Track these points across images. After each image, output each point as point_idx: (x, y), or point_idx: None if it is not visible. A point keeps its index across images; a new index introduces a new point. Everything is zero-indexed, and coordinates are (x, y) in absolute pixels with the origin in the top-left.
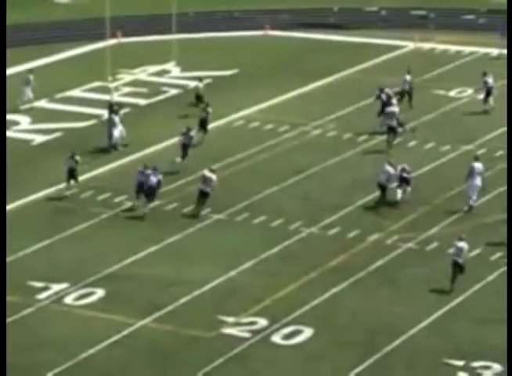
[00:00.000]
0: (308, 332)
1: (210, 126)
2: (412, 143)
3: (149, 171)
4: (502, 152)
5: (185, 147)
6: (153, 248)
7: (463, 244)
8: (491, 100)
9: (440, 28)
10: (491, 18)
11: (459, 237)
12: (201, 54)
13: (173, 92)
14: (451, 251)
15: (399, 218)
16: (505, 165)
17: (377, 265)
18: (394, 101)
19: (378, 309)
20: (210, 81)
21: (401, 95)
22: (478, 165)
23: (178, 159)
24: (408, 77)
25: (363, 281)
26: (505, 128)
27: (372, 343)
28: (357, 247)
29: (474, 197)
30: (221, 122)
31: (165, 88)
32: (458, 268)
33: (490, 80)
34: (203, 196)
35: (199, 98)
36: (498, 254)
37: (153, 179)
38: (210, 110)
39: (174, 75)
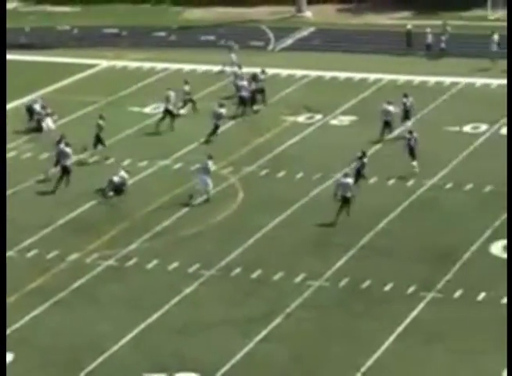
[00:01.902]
0: (8, 357)
1: None
2: (107, 161)
3: None
4: (199, 165)
5: None
6: None
7: (349, 180)
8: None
9: (133, 46)
10: (182, 35)
11: (344, 173)
12: None
13: None
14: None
15: (99, 235)
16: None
17: (78, 284)
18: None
19: (81, 328)
20: None
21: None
22: (209, 162)
23: None
24: (187, 88)
25: (64, 301)
26: (196, 144)
27: (75, 363)
28: (57, 268)
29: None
30: None
31: None
32: (346, 202)
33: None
34: None
35: None
36: (195, 266)
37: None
38: None
39: None
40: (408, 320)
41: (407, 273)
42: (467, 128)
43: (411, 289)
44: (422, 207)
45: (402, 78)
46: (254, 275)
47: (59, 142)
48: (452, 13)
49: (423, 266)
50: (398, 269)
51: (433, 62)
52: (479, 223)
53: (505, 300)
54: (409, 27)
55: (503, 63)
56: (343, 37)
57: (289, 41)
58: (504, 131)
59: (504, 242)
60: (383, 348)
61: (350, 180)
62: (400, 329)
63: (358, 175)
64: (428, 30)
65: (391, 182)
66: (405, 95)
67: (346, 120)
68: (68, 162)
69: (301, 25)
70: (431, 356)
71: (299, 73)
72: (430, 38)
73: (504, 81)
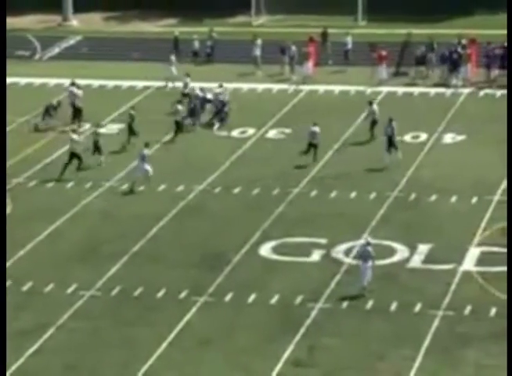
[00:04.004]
0: None
1: None
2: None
3: None
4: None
5: None
6: None
7: (315, 128)
8: None
9: None
10: None
11: (313, 123)
12: None
13: None
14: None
15: None
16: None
17: None
18: None
19: None
20: None
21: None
22: (147, 151)
23: None
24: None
25: None
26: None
27: None
28: None
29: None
30: None
31: None
32: (313, 147)
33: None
34: None
35: None
36: None
37: None
38: None
39: None
40: (181, 325)
41: (179, 279)
42: (235, 133)
43: (183, 294)
44: (192, 212)
45: (170, 85)
46: (25, 287)
47: None
48: (217, 20)
49: (194, 271)
50: (170, 275)
51: (199, 68)
52: (248, 226)
53: (274, 300)
54: (176, 33)
55: (267, 68)
56: (110, 45)
57: (56, 50)
58: (271, 134)
59: (273, 243)
60: (157, 354)
61: None
62: (173, 334)
63: None
64: (195, 36)
65: (162, 188)
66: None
67: (115, 128)
68: None
69: (67, 34)
70: (204, 359)
71: (67, 82)
72: (196, 45)
73: (269, 86)
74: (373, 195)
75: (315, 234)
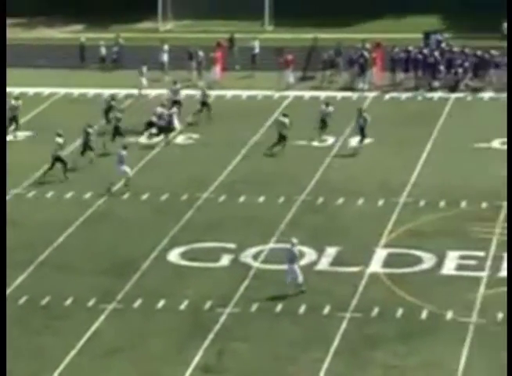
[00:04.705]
0: None
1: None
2: None
3: None
4: None
5: None
6: None
7: (285, 119)
8: None
9: None
10: None
11: (283, 113)
12: None
13: None
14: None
15: None
16: None
17: None
18: None
19: None
20: None
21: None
22: (125, 153)
23: None
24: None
25: None
26: None
27: None
28: None
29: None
30: None
31: None
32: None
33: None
34: None
35: None
36: None
37: None
38: None
39: None
40: (89, 333)
41: (87, 287)
42: (143, 139)
43: (91, 302)
44: (99, 219)
45: (77, 92)
46: None
47: None
48: (124, 26)
49: (103, 278)
50: (78, 283)
51: (107, 74)
52: (157, 232)
53: (183, 306)
54: (82, 39)
55: (174, 74)
56: (16, 51)
57: None
58: (179, 140)
59: (181, 249)
60: (65, 363)
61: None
62: (81, 343)
63: None
64: (101, 42)
65: (69, 195)
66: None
67: (22, 135)
68: None
69: None
70: (113, 367)
71: None
72: (103, 51)
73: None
74: (281, 199)
75: (224, 239)
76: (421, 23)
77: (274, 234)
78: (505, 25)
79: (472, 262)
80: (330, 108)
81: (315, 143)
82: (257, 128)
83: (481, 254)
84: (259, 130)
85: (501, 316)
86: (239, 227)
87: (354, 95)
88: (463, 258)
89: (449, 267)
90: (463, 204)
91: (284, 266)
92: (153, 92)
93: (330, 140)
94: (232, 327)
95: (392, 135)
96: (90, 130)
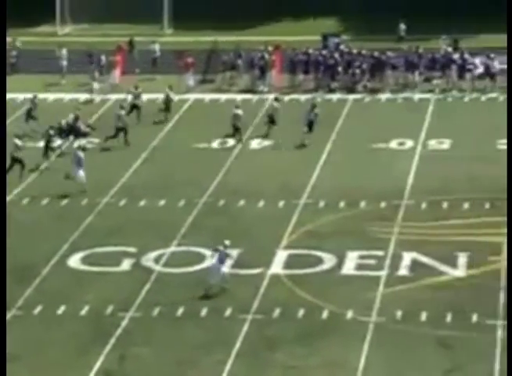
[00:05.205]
0: None
1: None
2: None
3: None
4: None
5: None
6: None
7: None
8: None
9: None
10: None
11: (235, 105)
12: None
13: None
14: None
15: None
16: None
17: None
18: None
19: None
20: None
21: None
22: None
23: None
24: None
25: None
26: None
27: None
28: None
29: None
30: None
31: None
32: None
33: None
34: None
35: None
36: None
37: None
38: None
39: None
40: None
41: None
42: (41, 143)
43: None
44: None
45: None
46: None
47: None
48: (21, 30)
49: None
50: None
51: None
52: (56, 237)
53: (84, 311)
54: None
55: (74, 78)
56: None
57: None
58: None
59: (82, 254)
60: None
61: None
62: None
63: None
64: None
65: None
66: None
67: None
68: None
69: None
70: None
71: None
72: None
73: (76, 96)
74: (182, 202)
75: (125, 243)
76: (319, 25)
77: (175, 237)
78: (401, 26)
79: (371, 262)
80: (276, 104)
81: (215, 145)
82: (156, 132)
83: (380, 253)
84: (158, 134)
85: (400, 314)
86: (140, 231)
87: (254, 97)
88: (362, 257)
89: (349, 267)
90: (362, 204)
91: (188, 269)
92: (51, 97)
93: (231, 142)
94: (134, 332)
95: (292, 137)
96: (51, 131)
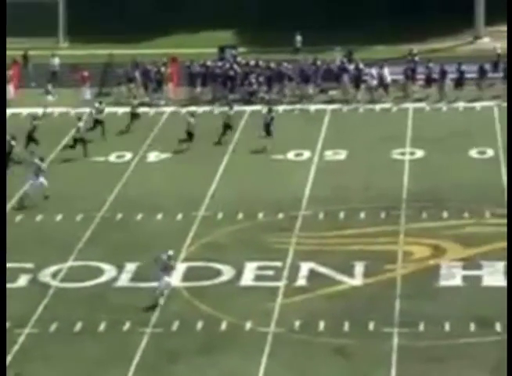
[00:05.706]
0: None
1: None
2: None
3: None
4: None
5: None
6: None
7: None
8: None
9: None
10: None
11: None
12: None
13: None
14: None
15: None
16: None
17: None
18: None
19: None
20: None
21: None
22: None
23: None
24: None
25: None
26: None
27: None
28: None
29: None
30: None
31: None
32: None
33: None
34: None
35: None
36: None
37: None
38: None
39: None
40: None
41: None
42: None
43: None
44: None
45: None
46: None
47: None
48: None
49: None
50: None
51: None
52: None
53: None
54: None
55: None
56: None
57: None
58: None
59: None
60: None
61: None
62: None
63: None
64: None
65: None
66: None
67: None
68: None
69: None
70: None
71: None
72: None
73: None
74: (79, 216)
75: (22, 259)
76: (216, 37)
77: (72, 252)
78: (298, 38)
79: (269, 273)
80: (232, 111)
81: (112, 159)
82: (53, 146)
83: (279, 264)
84: (56, 148)
85: (298, 323)
86: (37, 246)
87: (151, 110)
88: (260, 268)
89: (247, 278)
90: (260, 215)
91: (85, 283)
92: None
93: (128, 156)
94: (31, 348)
95: (190, 149)
96: (13, 142)
